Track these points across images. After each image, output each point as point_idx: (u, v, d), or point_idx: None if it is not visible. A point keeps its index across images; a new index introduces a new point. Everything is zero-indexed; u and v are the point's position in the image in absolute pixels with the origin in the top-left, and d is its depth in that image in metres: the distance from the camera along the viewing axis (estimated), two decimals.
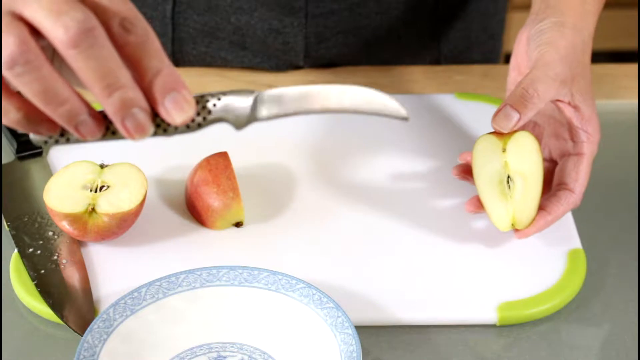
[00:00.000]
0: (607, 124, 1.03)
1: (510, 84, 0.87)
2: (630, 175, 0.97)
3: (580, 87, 0.82)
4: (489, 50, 1.20)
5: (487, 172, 0.82)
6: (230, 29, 1.08)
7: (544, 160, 0.85)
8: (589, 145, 0.83)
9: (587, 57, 0.84)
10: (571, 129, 0.83)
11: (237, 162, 0.93)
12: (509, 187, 0.82)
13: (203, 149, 0.92)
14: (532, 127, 0.87)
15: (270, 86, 1.07)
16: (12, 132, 0.97)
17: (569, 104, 0.82)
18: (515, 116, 0.78)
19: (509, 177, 0.82)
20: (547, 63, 0.80)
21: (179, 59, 1.11)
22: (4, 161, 0.96)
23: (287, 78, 1.08)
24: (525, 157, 0.81)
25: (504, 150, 0.81)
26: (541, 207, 0.83)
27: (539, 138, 0.86)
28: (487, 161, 0.82)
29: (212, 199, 0.87)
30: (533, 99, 0.78)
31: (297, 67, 1.11)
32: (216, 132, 0.99)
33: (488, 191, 0.83)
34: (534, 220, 0.82)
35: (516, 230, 0.83)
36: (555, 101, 0.82)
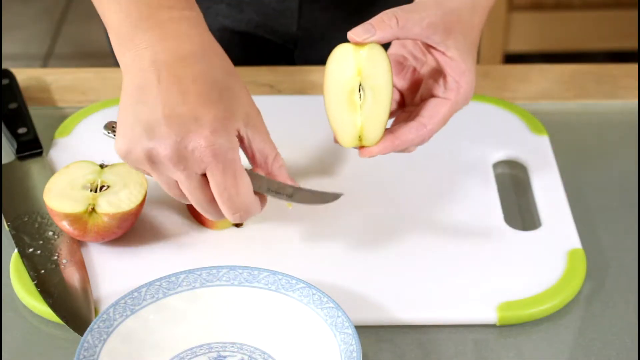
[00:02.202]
0: (607, 124, 1.04)
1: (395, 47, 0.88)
2: (630, 175, 0.97)
3: (458, 44, 0.81)
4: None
5: (338, 80, 0.79)
6: None
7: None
8: (456, 94, 0.82)
9: (477, 20, 0.82)
10: (444, 77, 0.82)
11: None
12: (360, 98, 0.79)
13: None
14: (412, 72, 0.86)
15: (271, 87, 1.07)
16: (12, 132, 0.97)
17: (444, 54, 0.81)
18: (371, 31, 0.78)
19: (360, 88, 0.79)
20: (421, 2, 0.80)
21: None
22: (4, 161, 0.96)
23: (287, 78, 1.08)
24: (378, 71, 0.79)
25: (358, 62, 0.79)
26: (390, 131, 0.81)
27: (417, 83, 0.85)
28: (340, 69, 0.79)
29: None
30: (391, 23, 0.78)
31: (291, 37, 1.11)
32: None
33: (336, 101, 0.80)
34: (380, 139, 0.80)
35: (361, 147, 0.81)
36: (429, 47, 0.81)
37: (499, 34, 2.37)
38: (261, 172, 0.79)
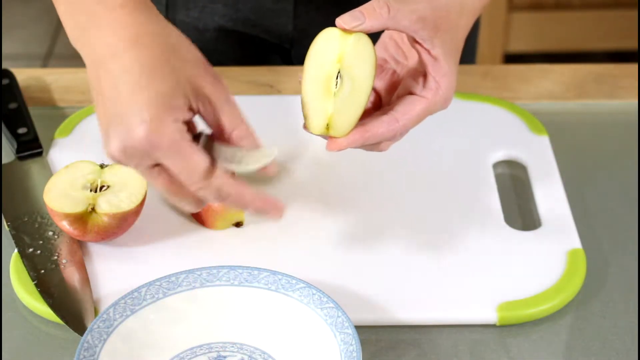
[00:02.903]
0: (607, 124, 1.04)
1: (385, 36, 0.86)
2: (630, 175, 0.97)
3: (444, 43, 0.80)
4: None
5: (318, 63, 0.77)
6: None
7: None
8: (434, 94, 0.80)
9: (464, 22, 0.81)
10: (425, 77, 0.81)
11: None
12: (337, 85, 0.77)
13: None
14: (392, 74, 0.85)
15: (271, 87, 1.07)
16: (12, 132, 0.97)
17: (429, 52, 0.80)
18: (360, 18, 0.77)
19: (339, 75, 0.77)
20: None
21: None
22: (4, 161, 0.96)
23: (287, 78, 1.08)
24: (360, 62, 0.77)
25: (343, 49, 0.77)
26: (360, 124, 0.79)
27: (395, 85, 0.84)
28: (322, 53, 0.77)
29: None
30: (382, 12, 0.77)
31: (287, 36, 1.11)
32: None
33: (312, 85, 0.77)
34: (350, 132, 0.77)
35: (330, 138, 0.78)
36: (415, 43, 0.80)
37: (499, 34, 2.37)
38: (224, 142, 0.74)
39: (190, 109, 0.72)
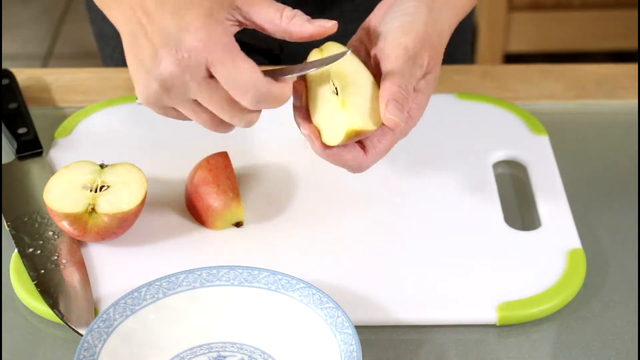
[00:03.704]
0: (607, 124, 1.04)
1: (354, 39, 0.85)
2: (630, 175, 0.97)
3: (434, 75, 0.80)
4: (458, 46, 1.20)
5: (315, 87, 0.79)
6: None
7: None
8: (405, 125, 0.80)
9: (442, 48, 0.82)
10: None
11: (237, 162, 0.93)
12: (337, 91, 0.78)
13: (203, 149, 0.92)
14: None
15: None
16: (12, 132, 0.97)
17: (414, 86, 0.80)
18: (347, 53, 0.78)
19: (335, 87, 0.78)
20: (403, 34, 0.79)
21: None
22: (4, 161, 0.96)
23: None
24: (343, 61, 0.78)
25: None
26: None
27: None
28: (314, 78, 0.79)
29: (212, 199, 0.87)
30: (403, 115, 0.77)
31: (276, 42, 1.11)
32: (216, 132, 0.99)
33: (320, 108, 0.78)
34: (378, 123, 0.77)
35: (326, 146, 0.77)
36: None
37: (499, 34, 2.37)
38: (281, 37, 0.77)
39: (236, 23, 0.76)
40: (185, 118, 0.78)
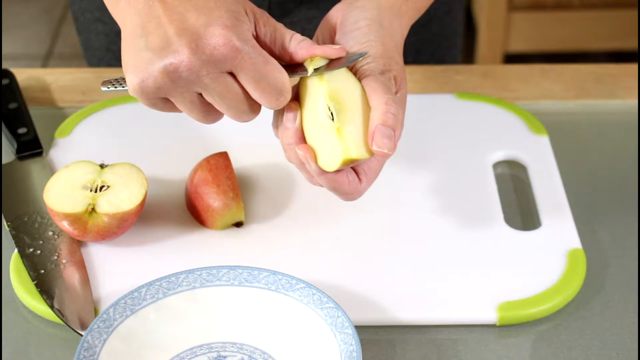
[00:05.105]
0: (607, 124, 1.04)
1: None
2: (630, 175, 0.97)
3: (400, 91, 0.80)
4: (448, 48, 1.20)
5: (310, 108, 0.77)
6: None
7: None
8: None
9: (402, 60, 0.81)
10: None
11: (237, 162, 0.93)
12: (332, 116, 0.76)
13: (203, 149, 0.92)
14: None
15: None
16: (12, 132, 0.97)
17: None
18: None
19: (330, 110, 0.76)
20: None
21: None
22: (4, 161, 0.96)
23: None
24: (339, 81, 0.76)
25: (325, 88, 0.76)
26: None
27: None
28: (309, 94, 0.77)
29: (212, 199, 0.87)
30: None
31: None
32: (216, 132, 0.99)
33: (313, 131, 0.76)
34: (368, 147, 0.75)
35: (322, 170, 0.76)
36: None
37: (499, 34, 2.38)
38: (286, 60, 0.77)
39: (253, 31, 0.75)
40: (172, 110, 0.76)
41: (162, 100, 0.75)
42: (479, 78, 1.09)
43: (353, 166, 0.77)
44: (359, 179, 0.78)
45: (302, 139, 0.77)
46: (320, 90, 0.76)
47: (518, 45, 2.41)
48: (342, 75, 0.77)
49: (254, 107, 0.76)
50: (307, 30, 1.10)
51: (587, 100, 1.06)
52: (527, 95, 1.06)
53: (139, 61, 0.73)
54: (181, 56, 0.72)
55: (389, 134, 0.74)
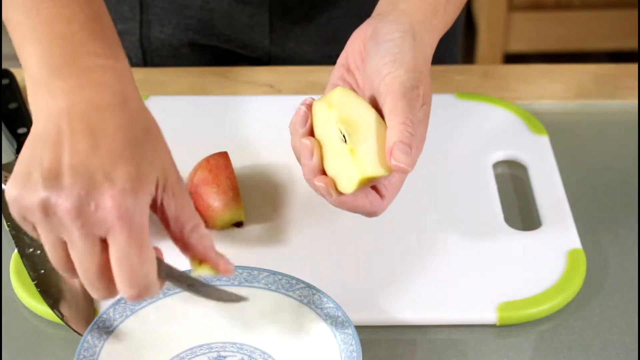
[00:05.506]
0: (607, 124, 1.04)
1: (335, 78, 0.82)
2: (630, 175, 0.97)
3: (425, 105, 0.79)
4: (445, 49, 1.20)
5: (323, 137, 0.76)
6: (198, 3, 1.08)
7: None
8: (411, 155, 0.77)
9: (429, 73, 0.80)
10: None
11: (237, 162, 0.93)
12: (345, 139, 0.75)
13: (203, 149, 0.92)
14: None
15: (271, 87, 1.07)
16: (12, 132, 0.97)
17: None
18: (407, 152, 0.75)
19: (342, 134, 0.76)
20: (397, 75, 0.77)
21: (146, 47, 1.11)
22: (4, 161, 0.96)
23: (287, 78, 1.08)
24: (350, 106, 0.76)
25: (333, 112, 0.76)
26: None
27: None
28: (321, 125, 0.76)
29: (212, 199, 0.87)
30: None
31: (264, 51, 1.11)
32: (216, 132, 0.99)
33: (329, 156, 0.75)
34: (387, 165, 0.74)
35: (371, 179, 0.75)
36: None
37: (499, 34, 2.38)
38: (177, 244, 0.72)
39: (153, 198, 0.68)
40: (37, 237, 0.69)
41: (30, 224, 0.68)
42: (479, 78, 1.09)
43: (373, 185, 0.77)
44: (381, 195, 0.77)
45: (322, 170, 0.76)
46: (331, 117, 0.76)
47: (518, 45, 2.41)
48: (351, 99, 0.77)
49: (111, 289, 0.68)
50: (307, 30, 1.11)
51: (587, 100, 1.06)
52: (527, 95, 1.06)
53: (24, 177, 0.66)
54: (64, 198, 0.65)
55: (406, 151, 0.74)
